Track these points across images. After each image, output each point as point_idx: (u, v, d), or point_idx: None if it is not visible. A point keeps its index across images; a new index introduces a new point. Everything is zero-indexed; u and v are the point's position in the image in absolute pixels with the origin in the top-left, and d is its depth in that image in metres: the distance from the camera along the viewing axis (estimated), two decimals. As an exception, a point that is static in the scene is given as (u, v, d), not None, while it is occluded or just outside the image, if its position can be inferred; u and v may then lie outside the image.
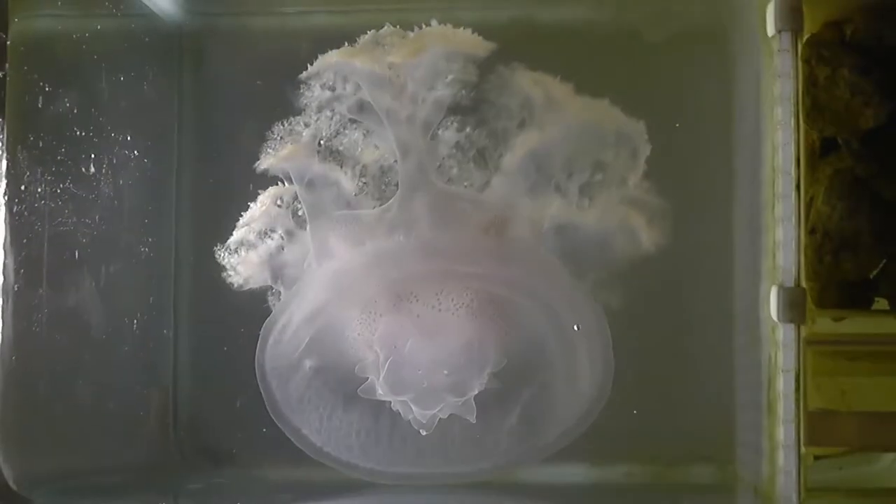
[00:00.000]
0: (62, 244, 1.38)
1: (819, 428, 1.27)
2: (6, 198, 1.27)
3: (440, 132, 1.31)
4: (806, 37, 1.32)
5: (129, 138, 1.51)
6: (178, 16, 1.64)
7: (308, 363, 1.37)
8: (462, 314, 1.31)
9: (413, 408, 1.32)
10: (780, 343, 1.26)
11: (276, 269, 1.38)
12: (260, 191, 1.38)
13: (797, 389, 1.25)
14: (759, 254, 1.37)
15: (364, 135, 1.34)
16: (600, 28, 1.54)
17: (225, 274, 1.40)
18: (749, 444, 1.43)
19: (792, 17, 1.28)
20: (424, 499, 1.43)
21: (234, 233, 1.39)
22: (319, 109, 1.34)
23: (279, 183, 1.37)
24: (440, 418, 1.33)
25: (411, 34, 1.30)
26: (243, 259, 1.39)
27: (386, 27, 1.30)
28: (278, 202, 1.37)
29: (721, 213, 1.50)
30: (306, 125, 1.34)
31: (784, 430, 1.25)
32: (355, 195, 1.35)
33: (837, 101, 1.32)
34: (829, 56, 1.33)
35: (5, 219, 1.27)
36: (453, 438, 1.38)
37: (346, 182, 1.35)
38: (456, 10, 1.50)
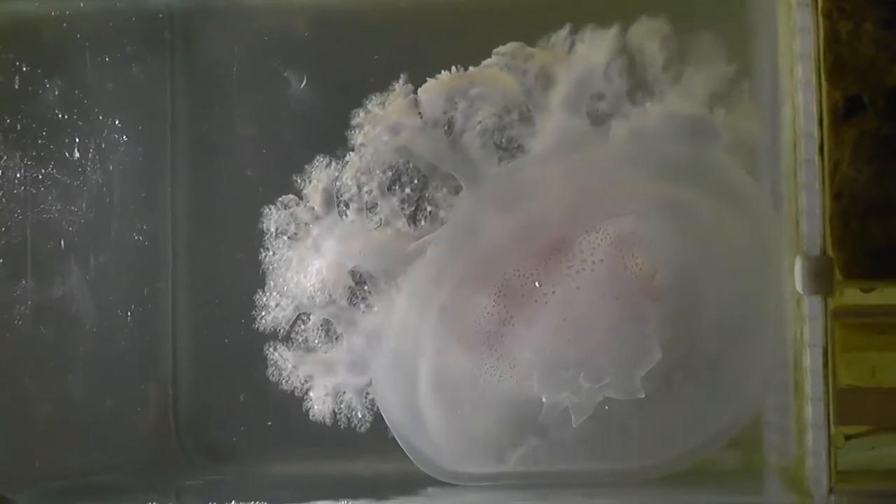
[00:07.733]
0: (46, 232, 1.34)
1: (849, 406, 1.22)
2: (-19, 182, 1.25)
3: None
4: (826, -11, 1.27)
5: (117, 122, 1.47)
6: (165, -6, 1.60)
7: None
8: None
9: (583, 386, 1.25)
10: (805, 317, 1.21)
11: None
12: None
13: (825, 365, 1.20)
14: (780, 223, 1.32)
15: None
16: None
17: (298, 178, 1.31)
18: (775, 426, 1.38)
19: (810, -31, 1.23)
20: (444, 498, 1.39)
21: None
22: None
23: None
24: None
25: None
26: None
27: None
28: (419, 112, 1.26)
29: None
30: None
31: (812, 409, 1.20)
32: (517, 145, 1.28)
33: (861, 58, 1.27)
34: (851, 9, 1.27)
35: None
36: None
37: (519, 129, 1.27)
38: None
